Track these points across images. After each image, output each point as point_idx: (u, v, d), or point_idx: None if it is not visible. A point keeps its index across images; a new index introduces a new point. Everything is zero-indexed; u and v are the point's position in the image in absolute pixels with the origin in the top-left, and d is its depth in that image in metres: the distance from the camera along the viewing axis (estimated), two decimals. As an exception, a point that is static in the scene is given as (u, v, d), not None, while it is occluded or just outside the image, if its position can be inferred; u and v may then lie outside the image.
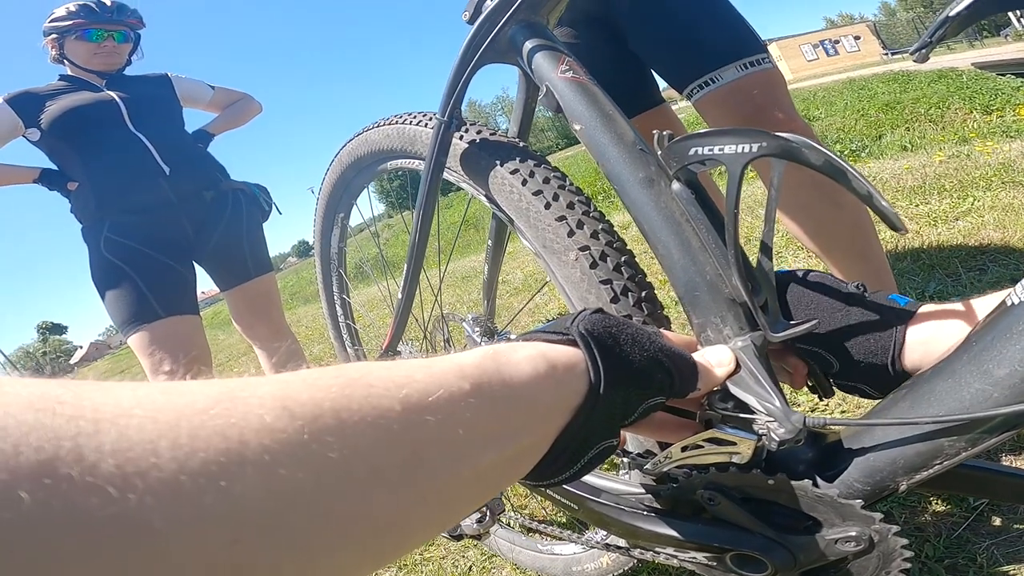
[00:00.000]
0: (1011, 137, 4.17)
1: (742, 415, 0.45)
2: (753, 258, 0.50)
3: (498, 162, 0.70)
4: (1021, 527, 0.93)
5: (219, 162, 2.20)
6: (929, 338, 0.47)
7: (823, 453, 0.47)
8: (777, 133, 0.45)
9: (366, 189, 1.20)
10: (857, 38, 46.51)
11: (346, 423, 0.26)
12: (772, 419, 0.44)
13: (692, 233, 0.52)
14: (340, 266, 1.38)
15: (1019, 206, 2.29)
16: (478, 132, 0.78)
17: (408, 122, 0.89)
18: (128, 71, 2.16)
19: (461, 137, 0.78)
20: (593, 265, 0.60)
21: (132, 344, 1.88)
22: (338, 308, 1.47)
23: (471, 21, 0.76)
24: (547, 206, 0.64)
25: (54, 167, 1.99)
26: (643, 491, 0.55)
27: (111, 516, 0.18)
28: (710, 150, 0.48)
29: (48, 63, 2.08)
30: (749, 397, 0.45)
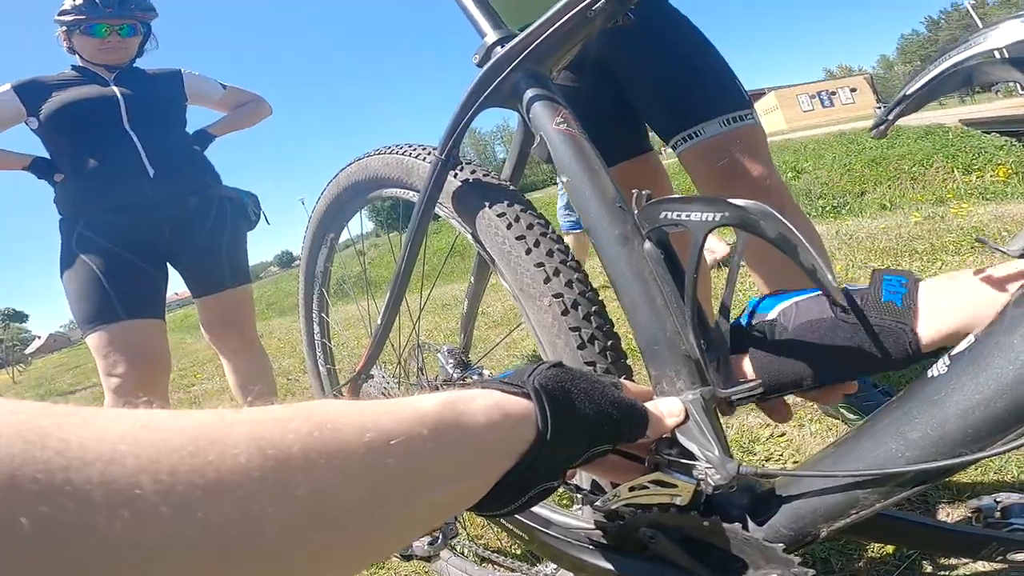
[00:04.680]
0: (987, 199, 4.35)
1: (685, 461, 0.51)
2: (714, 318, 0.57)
3: (487, 204, 0.76)
4: (949, 575, 0.99)
5: (212, 167, 2.23)
6: (933, 316, 0.50)
7: (757, 500, 0.52)
8: (740, 202, 0.50)
9: (358, 213, 1.25)
10: (853, 90, 47.86)
11: (314, 463, 0.30)
12: (710, 466, 0.49)
13: (657, 291, 0.58)
14: (323, 285, 1.42)
15: (985, 273, 2.41)
16: (472, 172, 0.83)
17: (407, 153, 0.95)
18: (143, 62, 2.19)
19: (455, 175, 0.83)
20: (564, 312, 0.66)
21: (90, 343, 1.89)
22: (315, 326, 1.51)
23: (480, 65, 0.82)
24: (528, 251, 0.69)
25: (47, 156, 2.02)
26: (592, 526, 0.60)
27: (101, 540, 0.21)
28: (678, 215, 0.54)
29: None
30: (692, 445, 0.51)
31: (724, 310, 0.55)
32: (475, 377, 1.04)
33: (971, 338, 0.46)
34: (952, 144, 6.65)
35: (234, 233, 2.20)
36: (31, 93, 1.96)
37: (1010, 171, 6.03)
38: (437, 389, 1.09)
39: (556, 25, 0.72)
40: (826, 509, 0.49)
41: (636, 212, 0.59)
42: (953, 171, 5.78)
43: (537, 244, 0.70)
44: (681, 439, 0.52)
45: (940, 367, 0.47)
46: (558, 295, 0.66)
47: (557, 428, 0.43)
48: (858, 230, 3.92)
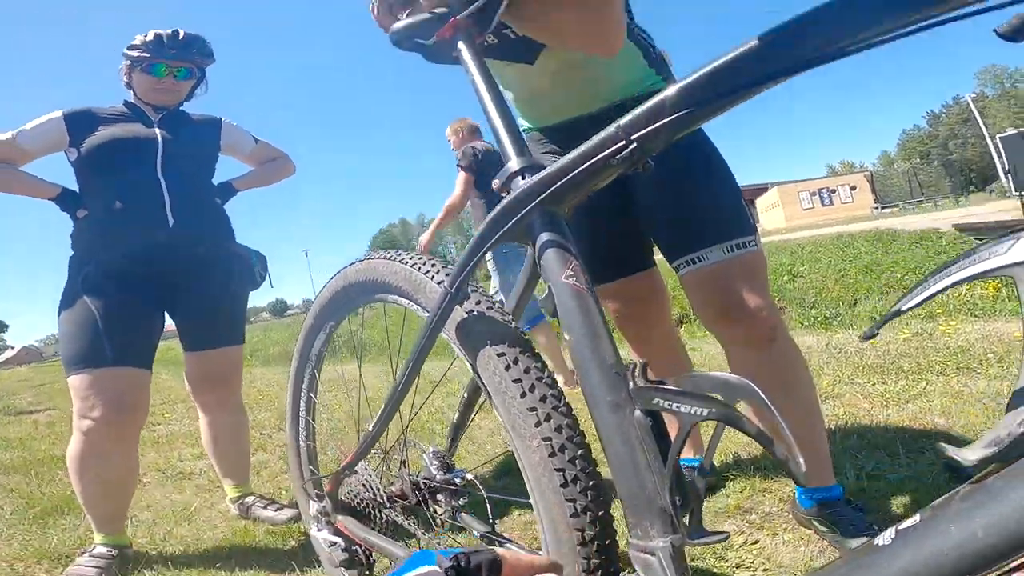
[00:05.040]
0: (975, 316, 4.48)
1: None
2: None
3: (489, 341, 0.80)
4: None
5: (229, 222, 2.30)
6: None
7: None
8: (729, 381, 0.55)
9: (360, 310, 1.30)
10: (853, 188, 48.95)
11: None
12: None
13: (642, 454, 0.63)
14: (316, 367, 1.46)
15: (967, 394, 2.49)
16: (477, 302, 0.88)
17: (419, 267, 0.98)
18: (190, 105, 2.30)
19: (462, 304, 0.87)
20: (551, 454, 0.70)
21: (71, 384, 1.90)
22: (301, 403, 1.53)
23: (499, 191, 0.87)
24: (523, 395, 0.74)
25: (76, 188, 2.09)
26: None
27: None
28: (669, 404, 0.60)
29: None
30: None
31: (702, 471, 0.61)
32: (458, 480, 1.08)
33: (917, 516, 0.51)
34: (945, 251, 6.82)
35: (237, 293, 2.26)
36: (79, 124, 2.04)
37: (999, 284, 6.21)
38: (418, 487, 1.12)
39: (578, 169, 0.74)
40: None
41: (631, 385, 0.64)
42: (944, 282, 5.92)
43: (532, 389, 0.75)
44: None
45: (886, 538, 0.52)
46: (547, 438, 0.71)
47: None
48: (848, 344, 4.02)
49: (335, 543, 1.25)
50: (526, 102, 1.65)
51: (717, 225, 1.44)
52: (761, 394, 0.54)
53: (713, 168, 1.52)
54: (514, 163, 0.87)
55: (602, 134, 0.72)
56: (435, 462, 1.11)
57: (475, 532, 1.05)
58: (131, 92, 2.19)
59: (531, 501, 0.76)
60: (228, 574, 1.93)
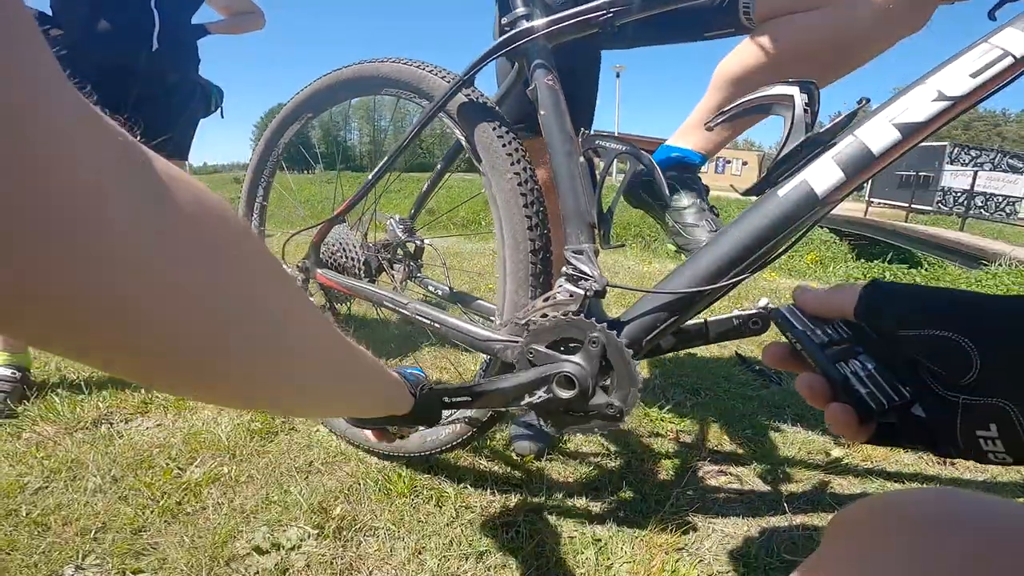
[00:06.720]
0: (791, 276, 5.49)
1: (580, 277, 0.97)
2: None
3: (487, 119, 1.17)
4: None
5: (198, 57, 2.42)
6: None
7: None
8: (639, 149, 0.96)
9: (348, 104, 1.56)
10: (744, 164, 52.22)
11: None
12: (594, 280, 0.96)
13: (580, 185, 1.03)
14: (282, 154, 1.73)
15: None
16: (478, 96, 1.22)
17: (423, 68, 1.29)
18: None
19: (465, 93, 1.21)
20: (523, 195, 1.11)
21: None
22: (260, 188, 1.80)
23: (506, 26, 1.17)
24: (507, 155, 1.13)
25: (47, 11, 2.09)
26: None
27: None
28: (599, 143, 1.00)
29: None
30: (584, 269, 0.97)
31: (610, 212, 1.02)
32: (417, 244, 1.44)
33: None
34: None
35: (191, 115, 2.41)
36: None
37: (816, 258, 8.21)
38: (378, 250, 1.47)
39: (567, 23, 1.11)
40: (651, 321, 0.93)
41: (580, 139, 1.04)
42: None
43: (515, 151, 1.14)
44: (579, 266, 0.98)
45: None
46: (521, 183, 1.12)
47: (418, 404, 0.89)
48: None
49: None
50: None
51: None
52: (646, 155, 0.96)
53: None
54: (521, 9, 1.19)
55: (592, 4, 1.08)
56: (400, 226, 1.46)
57: (436, 290, 1.43)
58: None
59: (495, 230, 1.17)
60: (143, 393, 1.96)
